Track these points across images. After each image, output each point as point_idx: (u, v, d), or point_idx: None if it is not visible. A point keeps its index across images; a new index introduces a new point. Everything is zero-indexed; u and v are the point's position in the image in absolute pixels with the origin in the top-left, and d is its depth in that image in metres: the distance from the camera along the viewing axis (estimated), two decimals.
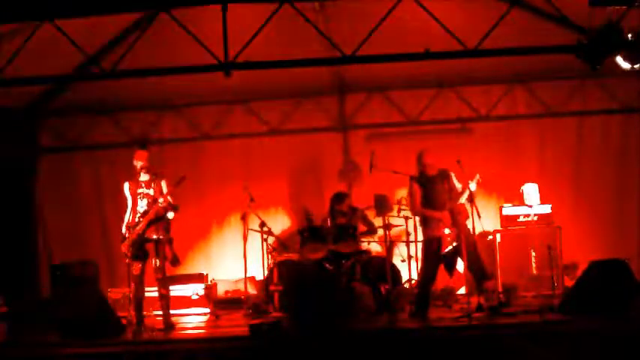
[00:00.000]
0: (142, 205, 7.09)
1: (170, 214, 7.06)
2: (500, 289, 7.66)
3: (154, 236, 7.05)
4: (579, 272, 7.46)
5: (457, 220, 6.98)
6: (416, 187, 7.15)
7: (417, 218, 7.32)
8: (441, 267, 7.20)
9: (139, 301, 7.11)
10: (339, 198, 8.38)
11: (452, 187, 7.11)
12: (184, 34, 6.32)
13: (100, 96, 8.93)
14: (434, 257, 7.07)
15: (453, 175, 7.16)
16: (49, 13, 6.20)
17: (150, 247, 7.06)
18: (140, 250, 7.04)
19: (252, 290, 8.72)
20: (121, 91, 8.65)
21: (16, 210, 9.21)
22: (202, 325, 7.69)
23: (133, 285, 7.10)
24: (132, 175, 7.22)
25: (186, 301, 8.28)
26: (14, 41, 6.50)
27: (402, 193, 7.80)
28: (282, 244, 8.66)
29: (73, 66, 7.82)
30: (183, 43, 6.38)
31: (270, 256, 8.31)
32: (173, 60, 6.68)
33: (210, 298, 8.39)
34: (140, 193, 7.12)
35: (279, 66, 6.73)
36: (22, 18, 6.36)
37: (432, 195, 7.09)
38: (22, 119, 9.37)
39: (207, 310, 8.23)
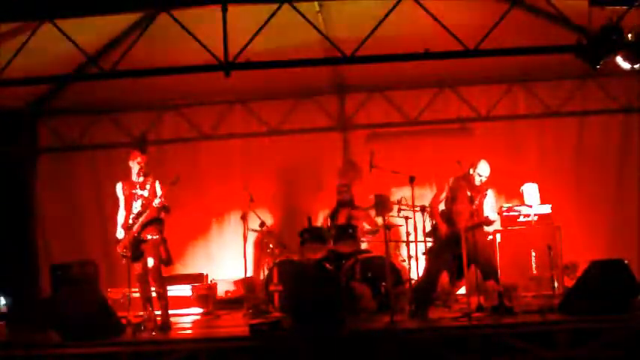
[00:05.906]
0: (137, 206, 7.10)
1: (162, 215, 7.07)
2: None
3: (149, 236, 7.05)
4: (579, 272, 7.44)
5: (457, 222, 7.00)
6: (447, 187, 7.18)
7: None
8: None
9: (147, 300, 7.12)
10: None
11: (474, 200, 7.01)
12: (184, 34, 6.32)
13: (100, 96, 8.93)
14: (442, 255, 7.08)
15: (491, 192, 7.17)
16: (49, 13, 6.19)
17: (144, 247, 7.06)
18: (136, 250, 7.05)
19: (251, 290, 8.71)
20: (121, 91, 8.65)
21: (16, 210, 9.21)
22: (202, 325, 7.69)
23: (138, 285, 7.14)
24: (126, 176, 7.22)
25: (186, 301, 8.27)
26: (14, 41, 6.50)
27: (402, 193, 7.79)
28: (281, 244, 8.66)
29: (73, 66, 7.82)
30: (183, 43, 6.37)
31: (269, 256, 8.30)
32: (173, 60, 6.68)
33: (208, 298, 8.36)
34: (135, 194, 7.13)
35: (279, 66, 6.73)
36: (22, 18, 6.36)
37: (458, 205, 7.08)
38: (22, 119, 9.37)
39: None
